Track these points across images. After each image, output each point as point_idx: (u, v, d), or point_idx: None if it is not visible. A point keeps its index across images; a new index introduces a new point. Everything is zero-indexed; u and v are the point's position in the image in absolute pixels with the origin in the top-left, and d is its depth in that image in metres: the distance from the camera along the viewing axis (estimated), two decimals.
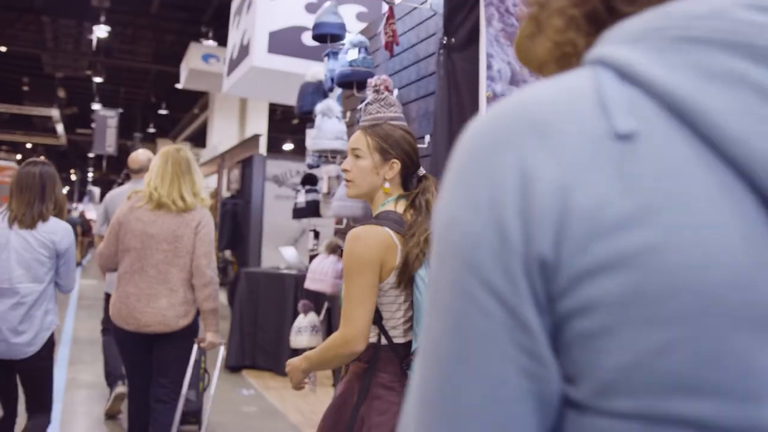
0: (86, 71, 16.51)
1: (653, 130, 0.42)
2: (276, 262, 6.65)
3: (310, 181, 3.96)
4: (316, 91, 3.69)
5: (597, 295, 0.41)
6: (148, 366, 2.98)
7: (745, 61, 0.40)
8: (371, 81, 2.71)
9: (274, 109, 15.45)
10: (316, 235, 4.05)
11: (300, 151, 16.05)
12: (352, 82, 3.24)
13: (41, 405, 2.84)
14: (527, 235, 0.42)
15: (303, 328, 3.53)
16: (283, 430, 4.07)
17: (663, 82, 0.42)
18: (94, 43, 14.01)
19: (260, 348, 5.52)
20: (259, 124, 13.58)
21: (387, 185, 1.81)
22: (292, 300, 5.42)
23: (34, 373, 2.79)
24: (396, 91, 3.11)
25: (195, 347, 2.99)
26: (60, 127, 20.49)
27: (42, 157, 3.07)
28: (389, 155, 1.79)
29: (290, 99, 7.66)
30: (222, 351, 3.16)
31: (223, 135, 14.02)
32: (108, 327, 3.96)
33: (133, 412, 3.05)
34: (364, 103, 2.65)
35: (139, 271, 2.87)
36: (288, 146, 18.90)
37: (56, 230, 2.82)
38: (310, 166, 3.80)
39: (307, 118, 3.78)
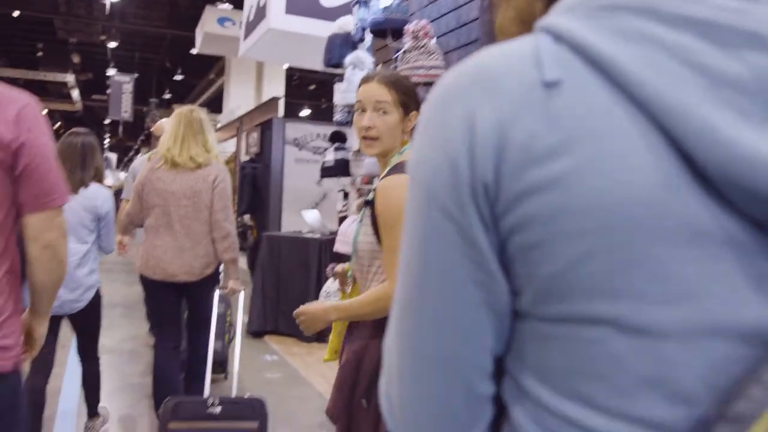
0: (100, 36, 16.30)
1: (575, 79, 0.49)
2: (297, 227, 6.51)
3: (338, 138, 3.74)
4: (344, 43, 3.49)
5: (531, 213, 0.49)
6: (174, 314, 3.26)
7: (653, 23, 0.48)
8: (409, 27, 2.52)
9: (291, 74, 15.22)
10: (345, 195, 3.88)
11: (317, 117, 15.88)
12: (386, 31, 3.01)
13: (92, 353, 3.15)
14: (473, 166, 0.50)
15: (333, 293, 3.40)
16: (308, 397, 3.98)
17: (585, 40, 0.50)
18: (108, 7, 13.78)
19: (282, 313, 5.40)
20: (276, 90, 13.37)
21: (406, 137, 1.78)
22: (316, 264, 5.29)
23: (85, 326, 3.07)
24: (434, 40, 2.91)
25: (218, 301, 3.24)
26: (75, 93, 20.36)
27: (83, 129, 3.21)
28: (410, 108, 1.74)
29: (308, 62, 7.49)
30: (242, 297, 3.38)
31: (239, 101, 13.83)
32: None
33: (160, 358, 3.23)
34: (400, 51, 2.45)
35: (164, 226, 3.09)
36: (305, 112, 18.67)
37: (97, 195, 2.98)
38: (339, 123, 3.61)
39: (328, 83, 3.59)
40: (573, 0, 0.54)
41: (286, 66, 13.83)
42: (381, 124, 1.71)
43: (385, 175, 1.67)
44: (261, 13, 6.69)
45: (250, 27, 7.14)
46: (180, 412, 2.63)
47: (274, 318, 5.48)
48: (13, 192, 1.45)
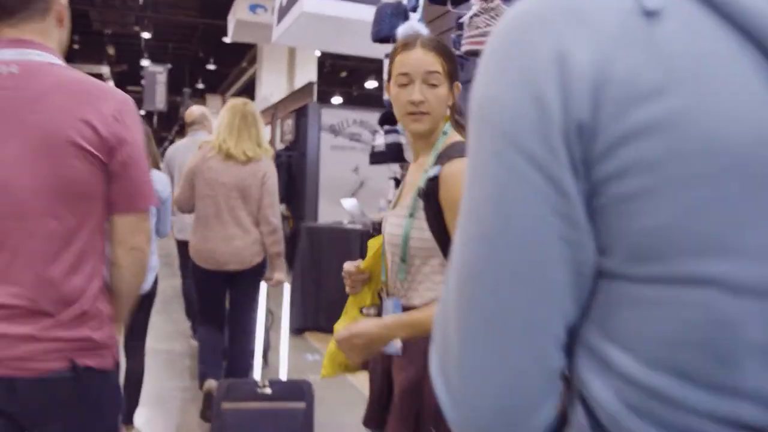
0: (134, 27, 16.32)
1: (677, 6, 0.45)
2: (334, 217, 6.30)
3: (389, 120, 3.36)
4: (396, 13, 3.15)
5: (634, 158, 0.44)
6: (222, 301, 3.45)
7: None
8: None
9: (322, 61, 15.03)
10: (397, 183, 3.62)
11: (349, 103, 15.67)
12: None
13: (140, 349, 3.09)
14: (566, 104, 0.45)
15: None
16: (356, 402, 3.74)
17: None
18: None
19: (324, 309, 5.16)
20: (308, 77, 13.21)
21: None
22: (358, 257, 5.07)
23: (135, 317, 2.95)
24: (506, 2, 2.63)
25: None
26: (110, 84, 20.54)
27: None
28: (454, 78, 1.53)
29: (342, 46, 7.29)
30: (287, 288, 3.56)
31: (272, 88, 13.72)
32: (185, 272, 4.42)
33: (206, 343, 3.41)
34: (467, 16, 2.16)
35: (214, 216, 3.20)
36: (337, 99, 18.51)
37: (156, 180, 2.98)
38: (390, 103, 3.27)
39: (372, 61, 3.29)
40: None
41: (318, 53, 13.65)
42: (432, 98, 1.48)
43: (440, 160, 1.45)
44: None
45: (283, 11, 6.97)
46: (232, 392, 2.75)
47: (314, 314, 5.26)
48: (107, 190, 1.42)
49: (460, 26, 2.32)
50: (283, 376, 3.21)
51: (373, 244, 1.69)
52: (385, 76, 1.67)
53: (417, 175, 1.55)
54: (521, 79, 0.47)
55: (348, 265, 1.71)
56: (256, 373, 3.27)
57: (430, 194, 1.42)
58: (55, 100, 1.36)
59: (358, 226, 5.30)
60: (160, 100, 17.19)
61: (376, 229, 1.49)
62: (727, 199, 0.42)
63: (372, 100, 20.16)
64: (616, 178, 0.45)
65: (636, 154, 0.44)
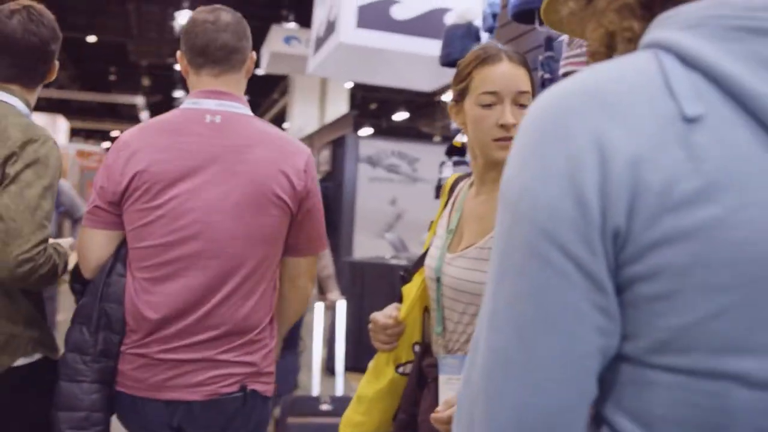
0: (168, 58, 16.66)
1: (716, 114, 0.45)
2: (369, 250, 6.21)
3: (456, 151, 3.00)
4: (467, 35, 2.94)
5: (663, 263, 0.45)
6: None
7: None
8: None
9: (353, 93, 15.15)
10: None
11: (380, 135, 15.69)
12: (533, 11, 2.22)
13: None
14: (605, 208, 0.46)
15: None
16: None
17: (725, 70, 0.45)
18: (177, 29, 14.05)
19: (366, 348, 5.01)
20: (339, 108, 13.32)
21: None
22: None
23: None
24: None
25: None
26: (145, 115, 20.92)
27: None
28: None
29: (378, 78, 7.30)
30: (344, 306, 3.78)
31: (303, 119, 13.84)
32: None
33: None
34: (565, 35, 1.96)
35: None
36: (367, 131, 18.63)
37: None
38: (457, 132, 2.93)
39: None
40: (698, 14, 0.48)
41: (350, 85, 13.77)
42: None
43: None
44: (331, 27, 6.55)
45: (320, 42, 7.02)
46: (297, 408, 2.98)
47: (356, 353, 5.00)
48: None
49: (549, 46, 2.17)
50: (339, 392, 3.62)
51: (409, 291, 1.47)
52: (449, 95, 1.53)
53: (481, 209, 1.37)
54: (560, 173, 0.47)
55: (383, 317, 1.44)
56: (315, 390, 3.58)
57: None
58: (259, 153, 1.50)
59: (403, 262, 5.16)
60: None
61: (408, 270, 1.34)
62: (753, 305, 0.44)
63: (400, 132, 20.25)
64: (644, 279, 0.46)
65: (665, 260, 0.45)
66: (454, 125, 2.92)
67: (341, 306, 3.71)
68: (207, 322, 1.48)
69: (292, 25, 11.85)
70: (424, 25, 5.65)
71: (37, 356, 1.57)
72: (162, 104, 21.79)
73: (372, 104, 19.43)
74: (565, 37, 1.96)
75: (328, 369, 5.04)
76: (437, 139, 8.73)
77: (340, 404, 2.98)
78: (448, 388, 1.31)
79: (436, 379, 1.34)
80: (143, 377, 1.48)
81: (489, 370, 0.50)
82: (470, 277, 1.29)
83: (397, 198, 7.84)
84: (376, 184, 8.17)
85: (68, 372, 1.46)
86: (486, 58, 1.31)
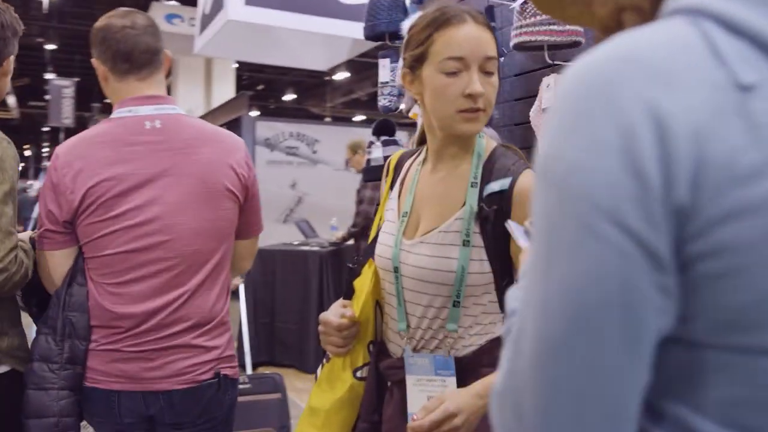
0: (37, 38, 15.53)
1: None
2: (272, 237, 6.05)
3: (386, 130, 2.85)
4: (394, 6, 2.64)
5: (729, 239, 0.44)
6: None
7: None
8: None
9: (239, 74, 14.82)
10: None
11: (271, 115, 15.45)
12: None
13: None
14: (667, 183, 0.43)
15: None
16: None
17: None
18: (45, 6, 13.10)
19: (280, 341, 4.77)
20: (226, 90, 13.00)
21: None
22: (317, 282, 4.70)
23: None
24: None
25: None
26: (11, 100, 19.39)
27: None
28: None
29: (269, 57, 7.14)
30: (242, 289, 3.73)
31: (189, 101, 13.38)
32: None
33: None
34: (518, 2, 1.90)
35: None
36: (254, 113, 18.30)
37: None
38: (387, 110, 2.76)
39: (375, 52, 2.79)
40: None
41: (235, 65, 13.44)
42: (490, 91, 1.17)
43: (499, 172, 1.20)
44: (218, 4, 6.31)
45: (206, 20, 6.75)
46: None
47: (269, 346, 4.84)
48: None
49: (491, 15, 2.13)
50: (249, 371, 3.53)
51: (362, 285, 1.31)
52: (400, 62, 1.38)
53: (439, 187, 1.26)
54: (614, 146, 0.44)
55: (335, 317, 1.27)
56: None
57: (497, 214, 1.15)
58: (205, 152, 1.59)
59: (314, 248, 4.98)
60: (66, 115, 16.37)
61: (358, 261, 1.30)
62: None
63: (289, 113, 20.01)
64: (707, 256, 0.45)
65: (730, 236, 0.44)
66: (383, 103, 2.75)
67: (241, 290, 3.61)
68: (176, 316, 1.56)
69: (173, 2, 11.38)
70: (317, 3, 5.57)
71: (4, 368, 1.54)
72: (31, 88, 20.33)
73: (259, 85, 19.07)
74: (516, 5, 1.91)
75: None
76: (328, 119, 8.69)
77: (259, 383, 3.01)
78: (419, 390, 1.20)
79: (399, 382, 1.25)
80: (119, 371, 1.52)
81: (541, 359, 0.48)
82: (434, 264, 1.19)
83: (297, 181, 7.69)
84: (275, 167, 7.89)
85: (35, 380, 1.49)
86: (447, 19, 1.17)
